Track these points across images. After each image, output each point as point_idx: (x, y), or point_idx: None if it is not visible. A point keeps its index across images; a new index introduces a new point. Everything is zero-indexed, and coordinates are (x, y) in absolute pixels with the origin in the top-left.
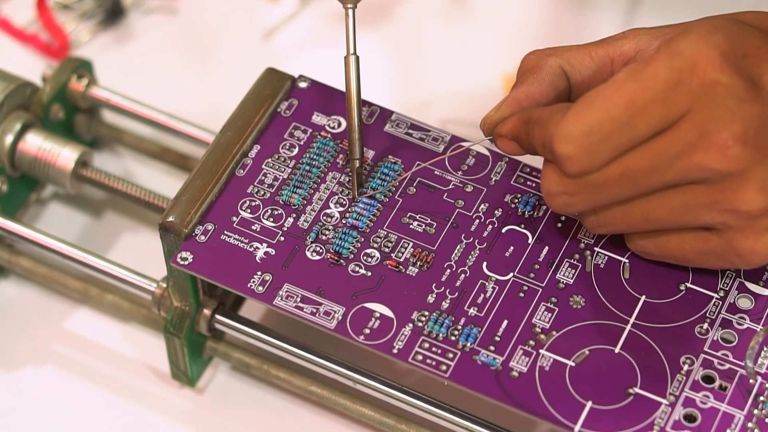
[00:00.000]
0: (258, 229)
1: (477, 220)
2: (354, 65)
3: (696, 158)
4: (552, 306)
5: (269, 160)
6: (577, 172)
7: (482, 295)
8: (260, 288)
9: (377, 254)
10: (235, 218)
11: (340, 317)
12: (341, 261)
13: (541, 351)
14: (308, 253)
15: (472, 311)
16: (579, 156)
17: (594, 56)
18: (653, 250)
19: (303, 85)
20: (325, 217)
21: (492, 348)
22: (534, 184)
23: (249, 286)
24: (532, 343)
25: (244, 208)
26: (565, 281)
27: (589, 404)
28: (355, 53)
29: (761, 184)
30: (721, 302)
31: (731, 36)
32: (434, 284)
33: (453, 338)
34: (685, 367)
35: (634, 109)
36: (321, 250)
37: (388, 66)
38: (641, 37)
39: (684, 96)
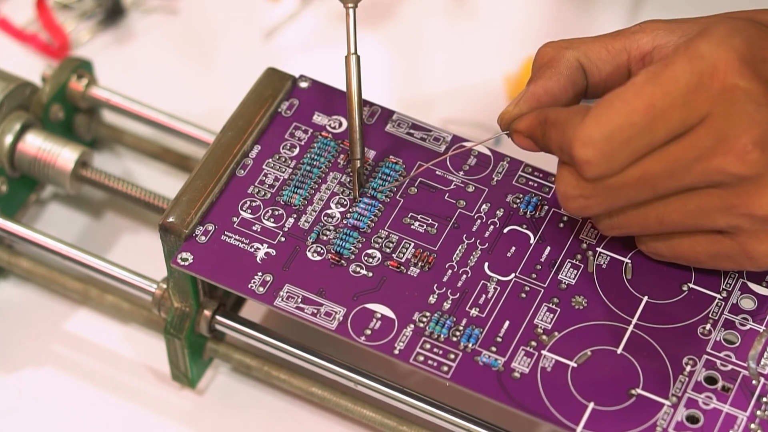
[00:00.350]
0: (259, 230)
1: (478, 221)
2: (355, 65)
3: (715, 163)
4: (554, 307)
5: (270, 160)
6: (596, 177)
7: (484, 296)
8: (261, 289)
9: (378, 255)
10: (235, 219)
11: (341, 318)
12: (342, 261)
13: (543, 352)
14: (309, 254)
15: (474, 312)
16: (599, 160)
17: (610, 49)
18: (665, 251)
19: (304, 85)
20: (326, 218)
21: (494, 349)
22: (536, 184)
23: (249, 286)
24: (533, 343)
25: (244, 209)
26: (567, 282)
27: (591, 405)
28: (356, 53)
29: None
30: (723, 303)
31: (750, 39)
32: (435, 285)
33: (454, 339)
34: (688, 368)
35: (654, 112)
36: (322, 251)
37: (389, 66)
38: (658, 31)
39: (704, 100)
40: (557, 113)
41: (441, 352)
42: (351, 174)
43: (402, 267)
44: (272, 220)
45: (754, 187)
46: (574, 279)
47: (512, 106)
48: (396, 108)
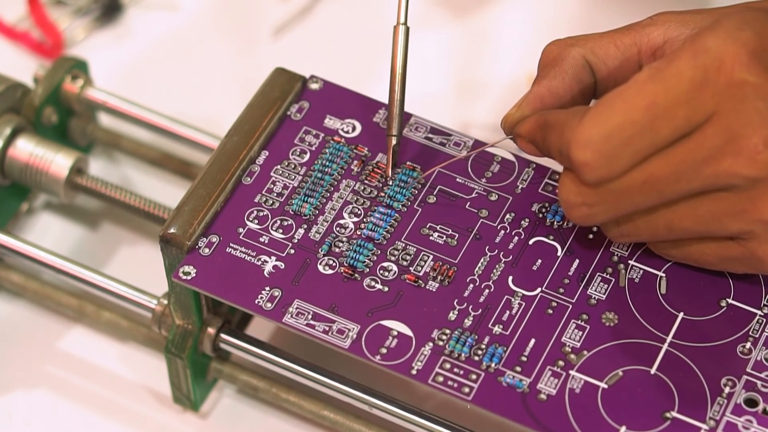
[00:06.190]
0: (266, 242)
1: (502, 231)
2: (403, 36)
3: (724, 164)
4: (583, 323)
5: (278, 167)
6: (597, 180)
7: (508, 312)
8: (269, 304)
9: (395, 268)
10: (241, 229)
11: (354, 336)
12: (356, 275)
13: (571, 372)
14: (320, 267)
15: (497, 329)
16: (598, 162)
17: (620, 45)
18: (674, 253)
19: (315, 86)
20: (338, 228)
21: (518, 369)
22: None
23: (256, 302)
24: (561, 363)
25: (251, 219)
26: (596, 297)
27: (623, 429)
28: (405, 23)
29: None
30: (764, 320)
31: (762, 32)
32: (456, 300)
33: (476, 358)
34: (726, 390)
35: (656, 111)
36: (334, 264)
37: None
38: (670, 23)
39: (710, 97)
40: (556, 115)
41: (462, 372)
42: (385, 151)
43: (420, 281)
44: (281, 230)
45: (767, 191)
46: (604, 294)
47: (515, 108)
48: (410, 110)
